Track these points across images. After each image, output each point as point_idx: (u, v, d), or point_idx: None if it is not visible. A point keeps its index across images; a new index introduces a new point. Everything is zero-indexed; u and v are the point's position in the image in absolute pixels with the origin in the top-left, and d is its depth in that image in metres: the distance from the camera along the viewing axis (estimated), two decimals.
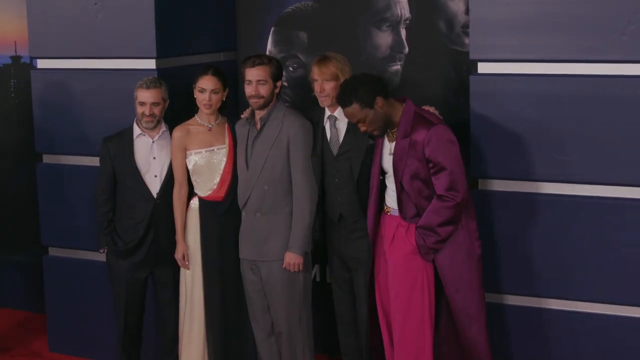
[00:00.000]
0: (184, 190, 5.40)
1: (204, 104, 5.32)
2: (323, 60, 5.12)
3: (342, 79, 5.01)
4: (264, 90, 5.17)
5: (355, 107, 4.75)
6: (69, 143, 6.09)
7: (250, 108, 5.36)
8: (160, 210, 5.42)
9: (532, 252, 5.18)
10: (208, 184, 5.39)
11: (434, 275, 4.86)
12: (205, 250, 5.42)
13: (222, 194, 5.37)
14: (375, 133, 4.82)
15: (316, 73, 5.11)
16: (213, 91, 5.29)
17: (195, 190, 5.44)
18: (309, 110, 5.38)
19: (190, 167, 5.39)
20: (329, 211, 5.27)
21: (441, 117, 4.94)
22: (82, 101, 5.99)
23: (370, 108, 4.75)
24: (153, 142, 5.45)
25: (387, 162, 4.93)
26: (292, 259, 5.19)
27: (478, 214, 5.01)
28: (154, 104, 5.34)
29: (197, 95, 5.33)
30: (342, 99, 4.78)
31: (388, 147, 4.93)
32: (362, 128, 4.80)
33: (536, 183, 5.16)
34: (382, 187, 5.04)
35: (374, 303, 5.04)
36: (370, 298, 5.05)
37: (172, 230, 5.45)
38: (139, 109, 5.37)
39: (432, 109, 5.01)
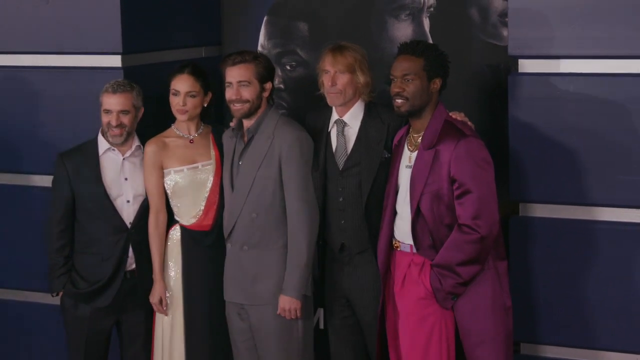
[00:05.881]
0: (162, 217, 5.17)
1: (177, 109, 5.14)
2: (338, 48, 4.99)
3: (358, 74, 4.91)
4: (247, 93, 4.96)
5: (419, 62, 4.63)
6: (14, 158, 5.87)
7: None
8: (136, 244, 5.15)
9: (587, 295, 4.97)
10: (192, 210, 5.17)
11: (454, 325, 4.68)
12: (189, 291, 5.19)
13: (209, 221, 5.15)
14: (402, 109, 4.65)
15: (329, 63, 4.96)
16: (189, 94, 5.11)
17: (177, 217, 5.21)
18: (310, 112, 5.24)
19: (169, 189, 5.18)
20: (328, 239, 5.07)
21: (474, 129, 4.76)
22: (30, 106, 5.79)
23: (427, 78, 4.64)
24: (124, 159, 5.18)
25: (404, 177, 4.72)
26: (288, 303, 4.94)
27: (518, 246, 4.95)
28: (122, 112, 5.08)
29: (171, 99, 5.16)
30: (413, 45, 4.69)
31: (407, 158, 4.74)
32: (396, 89, 4.64)
33: (593, 208, 4.94)
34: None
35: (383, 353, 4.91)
36: (378, 347, 4.88)
37: (148, 267, 5.19)
38: (104, 118, 5.12)
39: (460, 116, 4.78)
